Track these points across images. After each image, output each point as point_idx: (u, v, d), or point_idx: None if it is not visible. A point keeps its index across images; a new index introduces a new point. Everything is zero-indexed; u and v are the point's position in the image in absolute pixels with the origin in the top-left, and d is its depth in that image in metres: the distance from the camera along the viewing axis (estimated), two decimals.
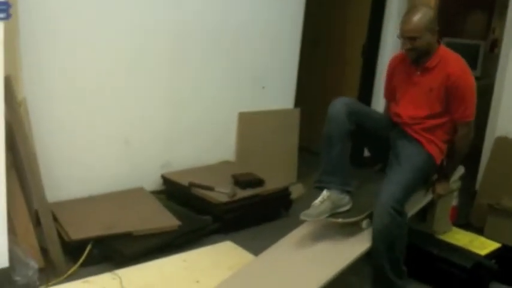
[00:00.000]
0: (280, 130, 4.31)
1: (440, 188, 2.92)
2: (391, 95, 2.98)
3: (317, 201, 2.64)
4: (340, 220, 2.65)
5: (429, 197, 2.90)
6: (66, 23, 3.08)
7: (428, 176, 2.85)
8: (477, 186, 3.97)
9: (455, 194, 3.36)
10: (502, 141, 3.85)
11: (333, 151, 2.65)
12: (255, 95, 4.16)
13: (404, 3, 4.74)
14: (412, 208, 2.75)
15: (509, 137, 3.84)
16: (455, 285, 2.85)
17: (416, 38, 2.61)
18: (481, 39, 5.40)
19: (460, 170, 3.00)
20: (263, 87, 4.17)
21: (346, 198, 2.68)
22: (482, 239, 3.14)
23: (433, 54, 2.70)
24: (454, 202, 3.43)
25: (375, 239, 2.54)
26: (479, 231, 3.43)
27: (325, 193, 2.65)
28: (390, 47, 4.83)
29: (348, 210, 2.68)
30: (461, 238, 3.10)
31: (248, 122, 4.10)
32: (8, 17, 2.38)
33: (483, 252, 2.94)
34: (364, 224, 2.67)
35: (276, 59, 4.22)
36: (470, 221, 3.75)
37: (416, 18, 2.60)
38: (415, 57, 2.70)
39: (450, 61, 2.70)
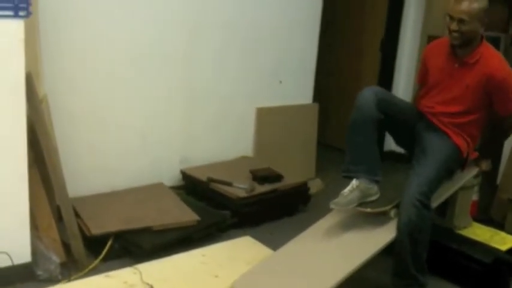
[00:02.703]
0: (299, 125, 4.30)
1: (484, 165, 2.96)
2: (424, 79, 2.93)
3: (346, 190, 2.63)
4: (369, 210, 2.63)
5: (452, 189, 2.86)
6: (86, 18, 3.11)
7: (454, 169, 2.82)
8: (498, 180, 3.92)
9: (476, 188, 3.32)
10: None
11: (360, 139, 2.64)
12: (273, 89, 4.15)
13: None
14: (435, 201, 2.72)
15: None
16: (475, 280, 2.83)
17: (465, 22, 2.54)
18: (502, 31, 5.31)
19: (474, 171, 2.98)
20: (280, 82, 4.16)
21: (375, 187, 2.67)
22: (503, 234, 3.11)
23: (475, 48, 2.65)
24: (475, 197, 3.39)
25: (400, 232, 2.52)
26: (500, 226, 3.40)
27: (354, 182, 2.64)
28: (409, 41, 4.79)
29: (375, 200, 2.67)
30: (482, 233, 3.07)
31: (266, 117, 4.10)
32: (28, 15, 2.41)
33: (504, 247, 2.92)
34: (393, 213, 2.65)
35: (294, 54, 4.20)
36: (491, 216, 3.71)
37: (471, 1, 2.54)
38: (458, 42, 2.63)
39: (491, 60, 2.64)
